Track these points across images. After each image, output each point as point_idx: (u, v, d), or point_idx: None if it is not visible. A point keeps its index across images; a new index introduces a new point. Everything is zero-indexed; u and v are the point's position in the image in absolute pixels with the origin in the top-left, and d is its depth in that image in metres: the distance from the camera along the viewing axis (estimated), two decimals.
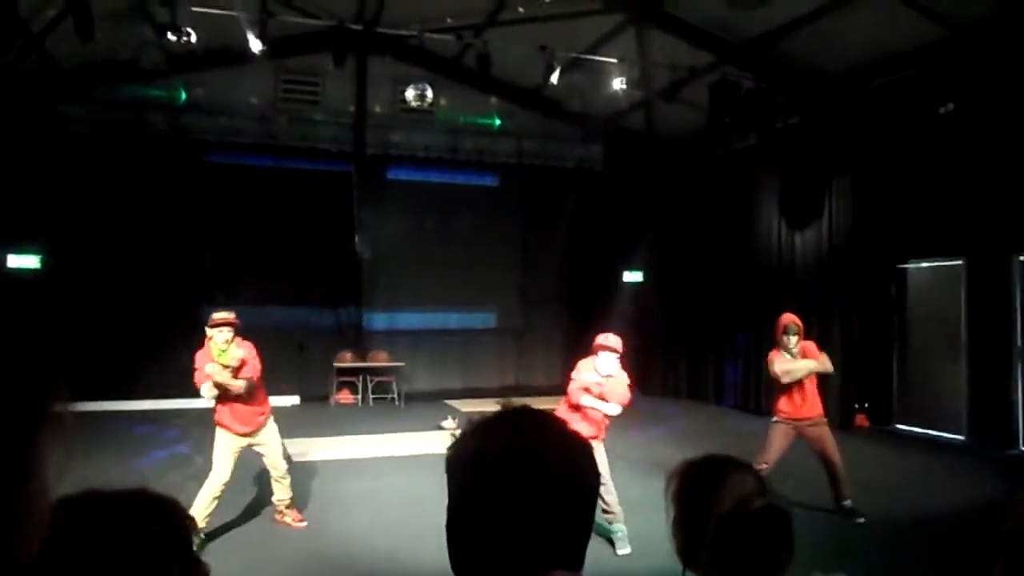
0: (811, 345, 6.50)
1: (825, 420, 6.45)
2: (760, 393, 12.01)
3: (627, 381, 5.90)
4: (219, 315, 5.73)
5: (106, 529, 0.77)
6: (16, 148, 10.82)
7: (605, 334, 5.99)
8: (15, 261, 11.09)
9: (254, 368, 5.70)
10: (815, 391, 6.42)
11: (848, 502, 6.20)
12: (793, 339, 6.32)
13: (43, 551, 0.74)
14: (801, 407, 6.29)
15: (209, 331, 5.69)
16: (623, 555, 5.32)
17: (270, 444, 5.90)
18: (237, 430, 5.67)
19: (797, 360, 6.30)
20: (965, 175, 9.13)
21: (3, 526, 0.63)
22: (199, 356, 5.66)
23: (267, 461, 5.96)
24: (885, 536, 5.81)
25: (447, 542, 1.02)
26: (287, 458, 6.28)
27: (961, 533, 5.82)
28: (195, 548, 0.84)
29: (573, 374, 5.93)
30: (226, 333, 5.63)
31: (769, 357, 6.47)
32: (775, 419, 6.39)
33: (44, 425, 0.69)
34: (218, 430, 5.73)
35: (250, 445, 5.80)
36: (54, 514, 0.79)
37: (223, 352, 5.60)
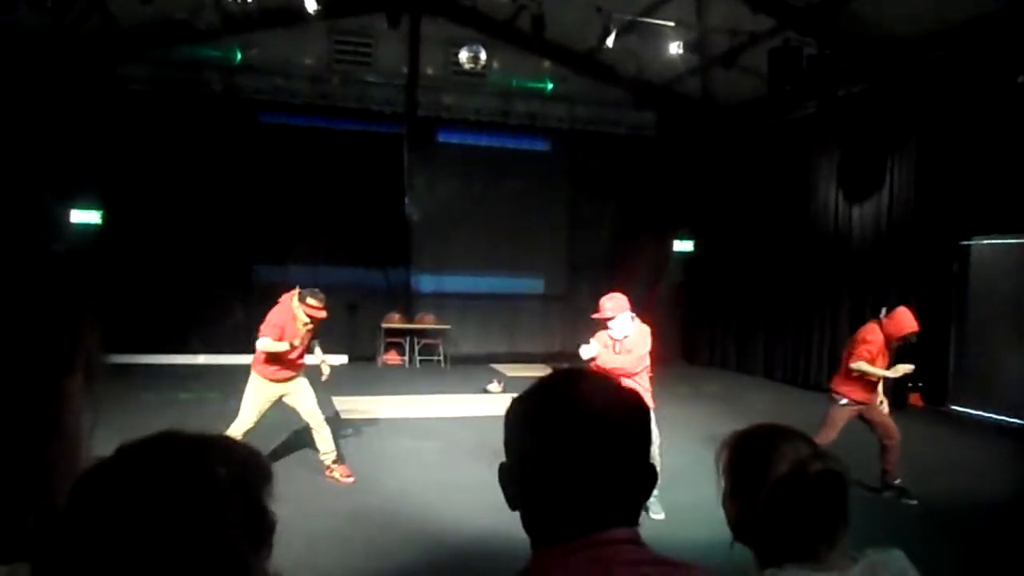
0: None
1: (884, 399, 6.33)
2: (810, 367, 11.82)
3: (646, 338, 5.73)
4: (320, 302, 6.10)
5: (168, 470, 0.78)
6: (78, 107, 11.09)
7: (603, 302, 5.78)
8: (78, 216, 11.42)
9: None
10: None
11: (898, 481, 6.09)
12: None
13: (100, 492, 0.75)
14: (866, 391, 6.18)
15: (305, 309, 5.97)
16: (657, 520, 5.30)
17: (303, 394, 6.11)
18: (274, 376, 5.91)
19: (885, 371, 6.12)
20: None
21: (34, 471, 0.64)
22: (276, 313, 5.97)
23: (302, 411, 6.15)
24: (937, 518, 5.69)
25: (504, 495, 1.04)
26: (332, 416, 6.46)
27: (1014, 519, 5.67)
28: (264, 499, 0.84)
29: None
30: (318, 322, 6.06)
31: (860, 349, 6.13)
32: (844, 401, 6.17)
33: (73, 377, 0.70)
34: (253, 376, 5.96)
35: (281, 396, 6.02)
36: (117, 454, 0.80)
37: (306, 325, 5.97)
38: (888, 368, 6.21)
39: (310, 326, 6.03)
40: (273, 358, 5.89)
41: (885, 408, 6.39)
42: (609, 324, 5.69)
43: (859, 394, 6.16)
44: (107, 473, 0.77)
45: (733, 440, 1.55)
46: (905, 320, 6.14)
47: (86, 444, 0.77)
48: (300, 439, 6.76)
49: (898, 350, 6.35)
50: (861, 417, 6.22)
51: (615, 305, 5.73)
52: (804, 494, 1.39)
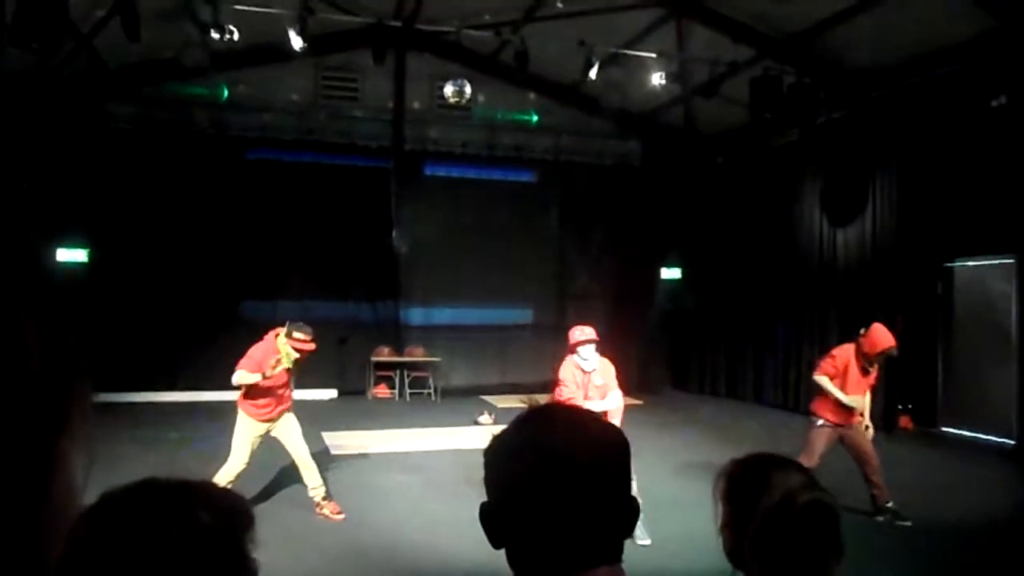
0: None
1: (862, 422, 6.26)
2: (800, 391, 11.82)
3: (613, 370, 5.88)
4: (308, 335, 6.05)
5: (150, 519, 0.78)
6: (65, 145, 11.11)
7: (579, 327, 5.96)
8: (64, 255, 11.37)
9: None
10: (862, 400, 6.24)
11: (891, 503, 6.07)
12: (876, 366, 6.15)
13: (85, 540, 0.75)
14: (844, 412, 6.13)
15: (291, 343, 5.93)
16: (645, 546, 5.25)
17: (289, 430, 6.08)
18: (262, 416, 5.88)
19: (855, 397, 6.08)
20: (1017, 170, 8.85)
21: (29, 521, 0.64)
22: (256, 348, 5.93)
23: (288, 446, 6.13)
24: (929, 541, 5.67)
25: (487, 535, 1.02)
26: (322, 451, 6.40)
27: (1009, 540, 5.67)
28: (247, 546, 0.83)
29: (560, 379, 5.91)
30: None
31: (824, 362, 6.21)
32: (820, 422, 6.16)
33: (67, 420, 0.70)
34: (241, 415, 5.93)
35: (268, 432, 5.99)
36: (100, 502, 0.80)
37: (290, 358, 5.91)
38: (867, 389, 6.15)
39: (295, 357, 5.96)
40: (258, 394, 5.84)
41: (870, 433, 6.29)
42: (580, 350, 5.78)
43: (835, 415, 6.09)
44: (90, 523, 0.76)
45: (728, 470, 1.56)
46: (880, 336, 6.04)
47: (80, 498, 0.76)
48: (289, 476, 6.69)
49: (884, 366, 6.29)
50: (841, 441, 6.16)
51: (588, 334, 5.84)
52: (792, 525, 1.39)
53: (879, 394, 10.27)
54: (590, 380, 5.79)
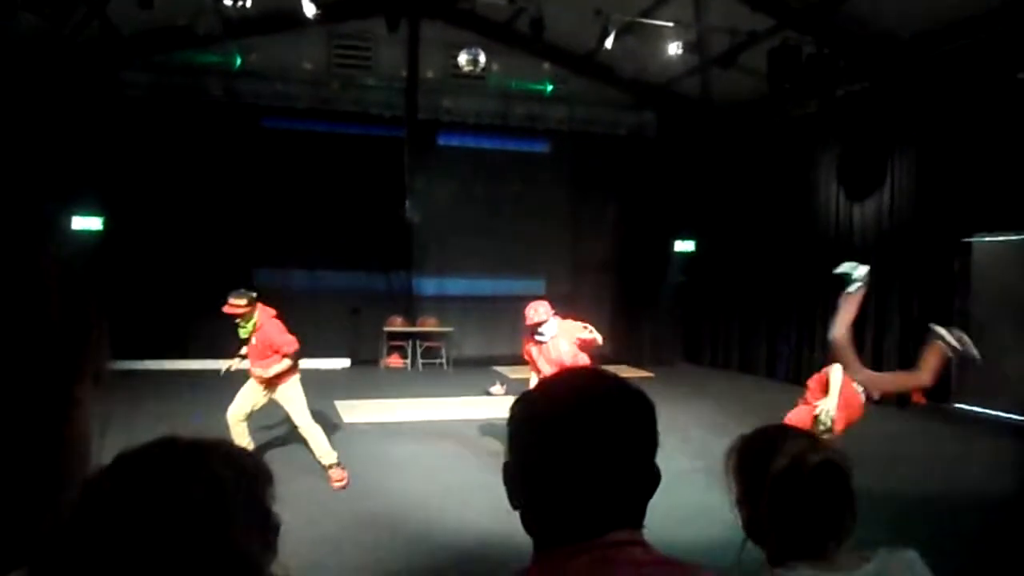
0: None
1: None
2: (813, 366, 11.77)
3: (577, 325, 6.20)
4: (232, 300, 6.27)
5: (171, 474, 0.78)
6: (79, 113, 11.10)
7: (532, 307, 6.23)
8: (79, 223, 11.42)
9: (265, 334, 6.22)
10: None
11: None
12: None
13: (106, 493, 0.75)
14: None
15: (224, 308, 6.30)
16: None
17: (288, 398, 6.32)
18: (256, 376, 6.27)
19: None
20: None
21: (46, 460, 0.64)
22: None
23: (290, 414, 6.39)
24: (941, 515, 5.68)
25: (508, 496, 1.02)
26: (335, 421, 6.59)
27: (1019, 514, 5.66)
28: (268, 501, 0.84)
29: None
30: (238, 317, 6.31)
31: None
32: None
33: (83, 380, 0.70)
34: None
35: (270, 397, 6.31)
36: (120, 458, 0.80)
37: (242, 328, 6.35)
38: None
39: (243, 322, 6.32)
40: (252, 362, 6.34)
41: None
42: (540, 330, 6.12)
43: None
44: (110, 480, 0.77)
45: (738, 444, 1.55)
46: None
47: (96, 449, 0.77)
48: (302, 446, 6.76)
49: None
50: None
51: (543, 311, 6.14)
52: (803, 487, 1.39)
53: (893, 367, 10.30)
54: (551, 348, 6.09)
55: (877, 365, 10.44)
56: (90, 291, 0.75)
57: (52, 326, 0.68)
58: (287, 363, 6.16)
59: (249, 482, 0.82)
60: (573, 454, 0.97)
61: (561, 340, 6.10)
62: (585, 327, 6.26)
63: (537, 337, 6.13)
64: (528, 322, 6.14)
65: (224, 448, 0.85)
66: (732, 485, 1.52)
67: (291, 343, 6.20)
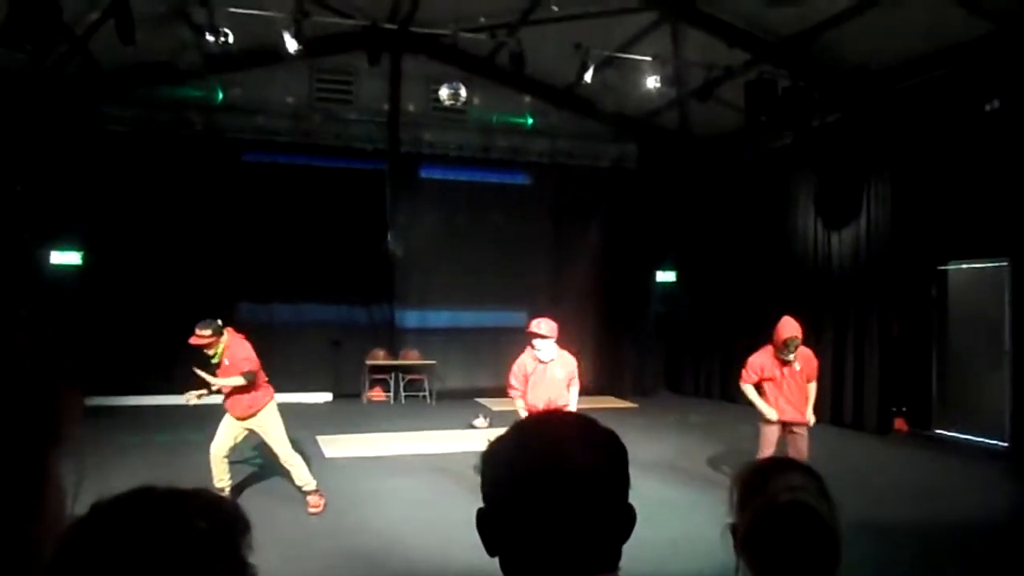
0: (809, 354, 6.48)
1: (807, 426, 6.43)
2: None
3: (574, 363, 6.27)
4: (198, 331, 6.15)
5: (145, 527, 0.77)
6: (59, 148, 11.07)
7: (537, 320, 6.31)
8: (58, 258, 11.32)
9: (236, 367, 6.10)
10: (801, 396, 6.43)
11: None
12: (792, 355, 6.32)
13: (77, 549, 0.74)
14: (785, 411, 6.35)
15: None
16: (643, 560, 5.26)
17: (266, 427, 6.30)
18: (234, 413, 6.22)
19: (762, 403, 6.34)
20: (1010, 173, 8.89)
21: (19, 531, 0.63)
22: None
23: (270, 444, 6.36)
24: (923, 543, 5.68)
25: (483, 543, 1.02)
26: (317, 455, 6.58)
27: (1003, 541, 5.68)
28: (245, 551, 0.83)
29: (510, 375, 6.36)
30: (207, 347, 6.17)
31: (742, 373, 6.47)
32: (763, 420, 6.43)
33: (58, 434, 0.69)
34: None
35: (249, 429, 6.29)
36: (93, 510, 0.79)
37: (212, 358, 6.23)
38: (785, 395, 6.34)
39: (211, 353, 6.22)
40: (227, 397, 6.24)
41: (811, 420, 6.45)
42: (536, 344, 6.12)
43: (780, 414, 6.32)
44: (83, 533, 0.76)
45: (736, 475, 1.56)
46: (784, 327, 6.29)
47: (72, 508, 0.76)
48: (283, 480, 6.68)
49: (785, 352, 6.35)
50: (784, 435, 6.39)
51: (549, 328, 6.18)
52: (774, 525, 1.39)
53: (874, 395, 10.38)
54: (546, 370, 5.97)
55: (858, 389, 10.53)
56: (61, 352, 0.74)
57: (23, 392, 0.68)
58: (240, 380, 6.04)
59: (226, 532, 0.81)
60: (544, 501, 0.96)
61: (557, 367, 6.12)
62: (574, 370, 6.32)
63: (536, 352, 6.11)
64: (530, 329, 6.18)
65: (201, 497, 0.84)
66: (737, 520, 1.50)
67: (251, 361, 6.13)
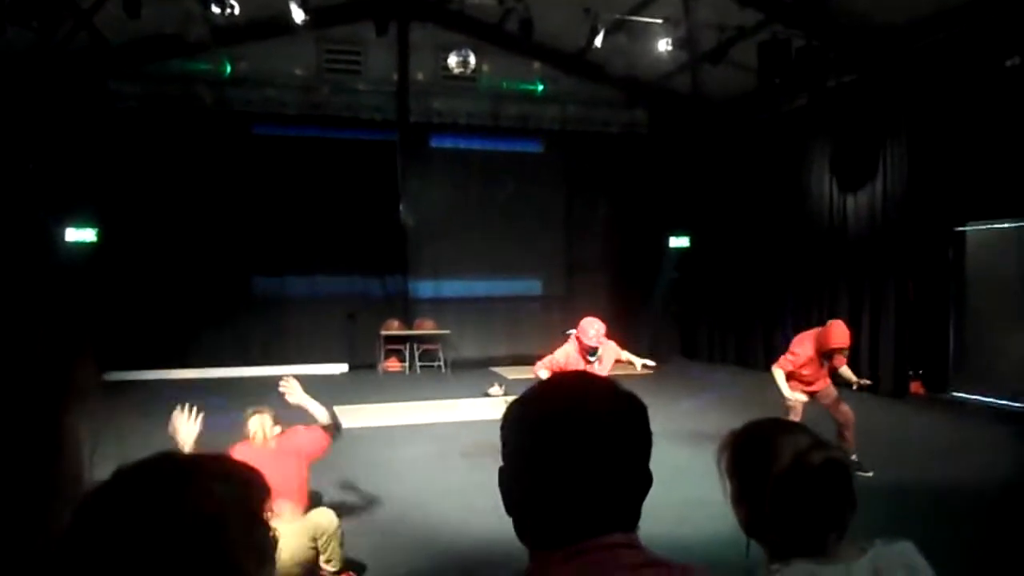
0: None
1: (830, 383, 6.57)
2: None
3: (614, 352, 6.28)
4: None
5: (166, 491, 0.78)
6: (69, 124, 11.09)
7: (591, 325, 6.14)
8: (73, 235, 11.40)
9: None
10: (825, 371, 6.54)
11: (855, 456, 6.17)
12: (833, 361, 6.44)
13: (100, 513, 0.75)
14: (811, 385, 6.47)
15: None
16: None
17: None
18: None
19: (788, 390, 6.41)
20: None
21: (36, 498, 0.64)
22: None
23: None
24: (941, 504, 5.70)
25: (503, 500, 1.02)
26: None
27: (1020, 502, 5.68)
28: (265, 515, 0.84)
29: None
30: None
31: (784, 358, 6.52)
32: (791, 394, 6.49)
33: (72, 401, 0.70)
34: None
35: None
36: (115, 477, 0.80)
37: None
38: (813, 382, 6.45)
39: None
40: None
41: (834, 395, 6.56)
42: (592, 356, 6.08)
43: (802, 385, 6.47)
44: (106, 497, 0.77)
45: (731, 440, 1.53)
46: (833, 334, 6.29)
47: (87, 474, 0.77)
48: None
49: (828, 358, 6.46)
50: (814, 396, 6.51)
51: (600, 333, 6.10)
52: (808, 486, 1.39)
53: (890, 358, 10.34)
54: (592, 368, 6.00)
55: (874, 352, 10.49)
56: (74, 313, 0.75)
57: (36, 354, 0.68)
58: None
59: (246, 497, 0.82)
60: (564, 458, 0.97)
61: (598, 363, 6.14)
62: (624, 355, 6.35)
63: (590, 357, 6.10)
64: (593, 342, 6.07)
65: (221, 463, 0.85)
66: (727, 483, 1.50)
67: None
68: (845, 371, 6.67)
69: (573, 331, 6.28)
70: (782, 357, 6.52)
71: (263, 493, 0.84)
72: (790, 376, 6.45)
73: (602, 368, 6.08)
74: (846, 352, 6.46)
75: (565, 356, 6.22)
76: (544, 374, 6.12)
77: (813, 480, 1.39)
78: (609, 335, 6.30)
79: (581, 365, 6.00)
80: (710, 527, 4.62)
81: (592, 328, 6.09)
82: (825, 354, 6.36)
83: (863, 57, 10.44)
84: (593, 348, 6.05)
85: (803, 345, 6.44)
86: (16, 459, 0.66)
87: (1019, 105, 8.80)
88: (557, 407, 1.01)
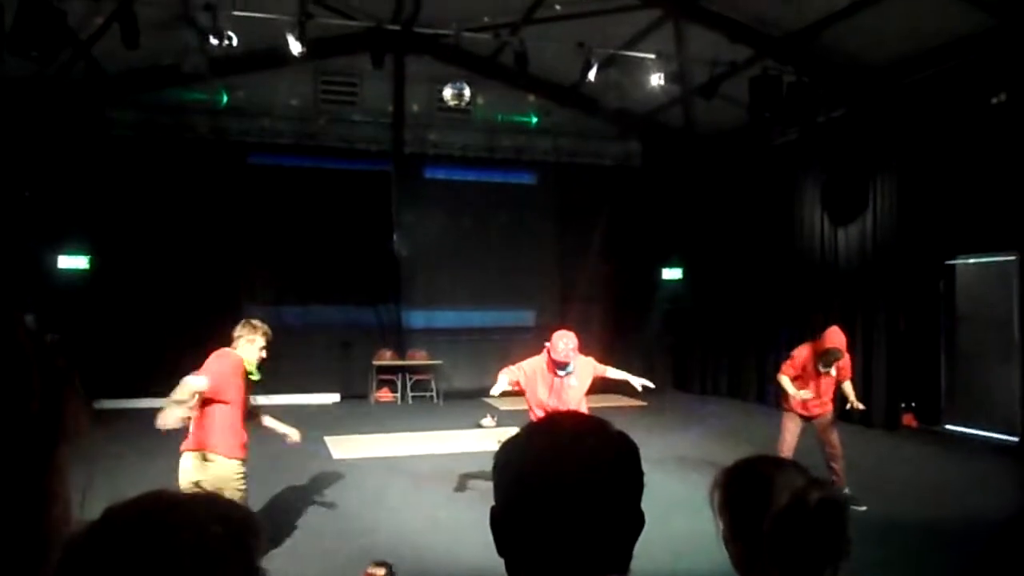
0: (845, 362, 6.62)
1: (831, 411, 6.66)
2: None
3: (591, 368, 5.86)
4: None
5: (159, 532, 0.77)
6: (65, 152, 11.12)
7: (562, 337, 5.65)
8: (66, 262, 11.37)
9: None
10: (829, 390, 6.60)
11: (847, 490, 6.14)
12: (830, 368, 6.47)
13: (91, 554, 0.75)
14: (813, 407, 6.49)
15: (262, 339, 5.13)
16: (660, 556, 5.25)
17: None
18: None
19: (794, 389, 6.46)
20: (1017, 166, 8.83)
21: (23, 546, 0.64)
22: (218, 358, 5.00)
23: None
24: (933, 536, 5.67)
25: (495, 542, 1.02)
26: (325, 456, 5.56)
27: (1012, 537, 5.66)
28: (257, 556, 0.83)
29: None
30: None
31: (785, 364, 6.64)
32: (786, 409, 6.62)
33: (61, 449, 0.69)
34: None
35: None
36: (106, 515, 0.79)
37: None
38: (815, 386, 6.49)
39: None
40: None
41: (858, 406, 6.87)
42: (561, 370, 5.62)
43: (802, 409, 6.51)
44: (95, 540, 0.76)
45: (724, 478, 1.51)
46: (828, 336, 6.45)
47: (78, 513, 0.76)
48: (287, 482, 6.70)
49: (831, 365, 6.49)
50: (810, 422, 6.56)
51: (572, 347, 5.60)
52: (806, 525, 1.39)
53: (882, 391, 10.35)
54: (563, 383, 5.66)
55: (867, 384, 10.50)
56: (67, 358, 0.75)
57: (29, 396, 0.68)
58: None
59: (239, 538, 0.81)
60: (556, 501, 0.97)
61: (572, 378, 5.71)
62: (612, 373, 6.05)
63: (559, 371, 5.62)
64: (562, 357, 5.55)
65: (213, 502, 0.85)
66: (719, 521, 1.48)
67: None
68: (847, 387, 6.78)
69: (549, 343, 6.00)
70: (783, 364, 6.68)
71: (256, 533, 0.84)
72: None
73: (578, 385, 5.66)
74: (844, 356, 6.48)
75: (532, 367, 5.80)
76: (503, 377, 5.77)
77: (811, 519, 1.39)
78: (602, 363, 6.05)
79: (548, 379, 5.62)
80: (705, 563, 4.58)
81: (561, 341, 5.58)
82: (822, 356, 6.40)
83: (852, 93, 10.60)
84: (563, 363, 5.60)
85: (801, 349, 6.63)
86: (2, 505, 0.65)
87: (1005, 140, 8.94)
88: (547, 450, 1.01)
